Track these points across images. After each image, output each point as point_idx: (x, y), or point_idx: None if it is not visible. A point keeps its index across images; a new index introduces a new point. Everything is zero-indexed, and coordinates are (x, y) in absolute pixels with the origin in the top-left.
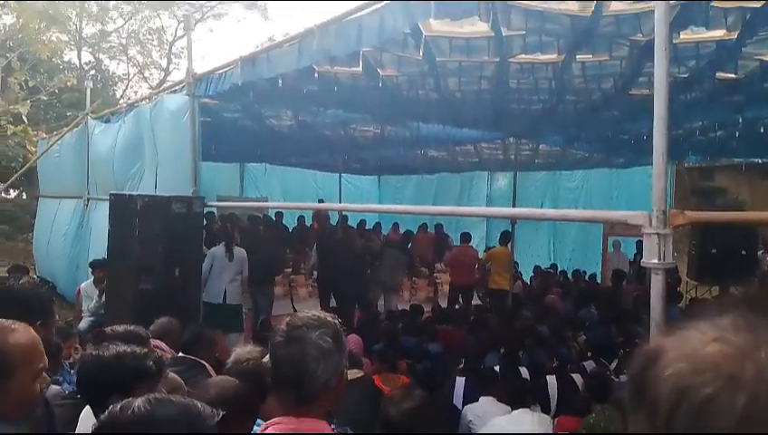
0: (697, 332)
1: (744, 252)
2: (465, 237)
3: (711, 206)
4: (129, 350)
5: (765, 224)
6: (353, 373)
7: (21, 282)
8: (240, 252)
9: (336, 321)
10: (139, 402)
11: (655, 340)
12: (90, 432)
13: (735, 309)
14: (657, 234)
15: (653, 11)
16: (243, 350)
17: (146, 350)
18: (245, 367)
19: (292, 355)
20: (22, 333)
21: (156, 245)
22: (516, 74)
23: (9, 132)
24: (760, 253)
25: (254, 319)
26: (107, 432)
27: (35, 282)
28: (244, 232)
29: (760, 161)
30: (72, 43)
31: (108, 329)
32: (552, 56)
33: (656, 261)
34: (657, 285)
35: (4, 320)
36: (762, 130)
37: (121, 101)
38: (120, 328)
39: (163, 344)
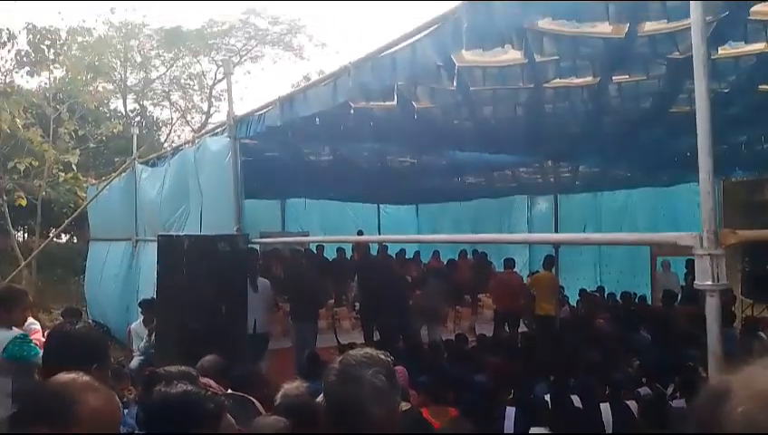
0: (764, 368)
1: None
2: (509, 263)
3: (762, 221)
4: (193, 390)
5: None
6: (402, 406)
7: (77, 327)
8: (263, 283)
9: (389, 359)
10: None
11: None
12: None
13: None
14: (710, 255)
15: (688, 28)
16: (290, 386)
17: (209, 392)
18: (295, 401)
19: (347, 394)
20: (101, 397)
21: (203, 283)
22: (552, 99)
23: (60, 180)
24: None
25: (297, 354)
26: None
27: (91, 326)
28: (287, 266)
29: None
30: (118, 91)
31: (160, 370)
32: (588, 79)
33: (709, 283)
34: (712, 307)
35: (93, 382)
36: None
37: (166, 145)
38: (173, 369)
39: (212, 382)
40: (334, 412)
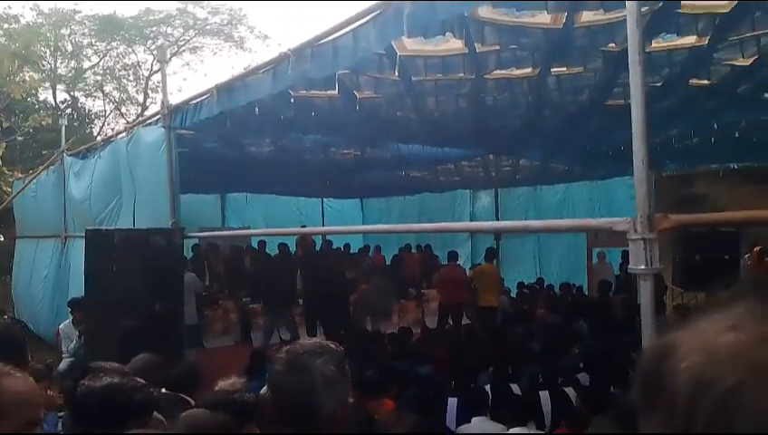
0: (710, 322)
1: (727, 257)
2: (453, 256)
3: (695, 213)
4: (120, 382)
5: (748, 223)
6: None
7: None
8: (189, 277)
9: (340, 348)
10: None
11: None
12: None
13: (743, 300)
14: (643, 239)
15: (624, 21)
16: (226, 383)
17: (138, 384)
18: (220, 397)
19: (295, 385)
20: (19, 380)
21: (135, 279)
22: (492, 91)
23: None
24: (745, 256)
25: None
26: None
27: (7, 322)
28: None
29: (735, 166)
30: (47, 81)
31: (93, 364)
32: (527, 70)
33: (643, 267)
34: (646, 291)
35: (3, 366)
36: (737, 135)
37: (99, 138)
38: (106, 365)
39: (144, 382)
40: (280, 404)
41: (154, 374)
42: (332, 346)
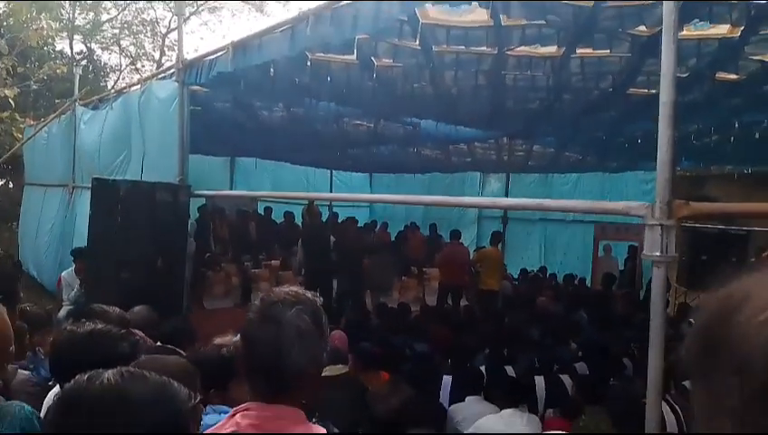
0: None
1: (734, 259)
2: (456, 235)
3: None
4: (104, 328)
5: None
6: (337, 369)
7: None
8: None
9: (317, 298)
10: (109, 374)
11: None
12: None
13: None
14: (661, 225)
15: (657, 4)
16: (223, 339)
17: (123, 331)
18: (207, 352)
19: (266, 335)
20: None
21: (138, 233)
22: (514, 69)
23: None
24: (752, 260)
25: None
26: (71, 403)
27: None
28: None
29: (749, 171)
30: (64, 32)
31: (95, 307)
32: (552, 49)
33: (658, 253)
34: (658, 278)
35: None
36: (756, 136)
37: (113, 92)
38: (109, 309)
39: (140, 333)
40: (250, 357)
41: (149, 327)
42: (309, 295)
